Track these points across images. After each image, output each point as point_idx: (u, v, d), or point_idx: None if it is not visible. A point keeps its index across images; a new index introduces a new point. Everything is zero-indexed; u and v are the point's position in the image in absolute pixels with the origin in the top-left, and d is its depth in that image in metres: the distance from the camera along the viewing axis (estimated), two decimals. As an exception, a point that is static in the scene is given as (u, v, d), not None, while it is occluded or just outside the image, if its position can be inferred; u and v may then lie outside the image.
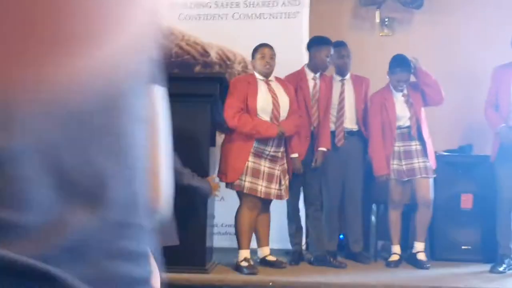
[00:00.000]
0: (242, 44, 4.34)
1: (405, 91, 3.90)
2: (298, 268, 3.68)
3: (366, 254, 3.99)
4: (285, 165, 3.65)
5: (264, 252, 3.70)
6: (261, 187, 3.50)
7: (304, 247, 4.06)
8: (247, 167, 3.48)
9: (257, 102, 3.51)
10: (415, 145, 3.83)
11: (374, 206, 4.11)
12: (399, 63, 3.86)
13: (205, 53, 4.44)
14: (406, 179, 3.84)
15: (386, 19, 4.71)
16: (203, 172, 3.26)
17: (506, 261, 3.70)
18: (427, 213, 3.83)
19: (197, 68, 4.45)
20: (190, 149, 3.17)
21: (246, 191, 3.49)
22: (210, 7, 4.45)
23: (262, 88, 3.58)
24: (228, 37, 4.39)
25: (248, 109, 3.50)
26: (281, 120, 3.56)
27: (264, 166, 3.53)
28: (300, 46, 4.37)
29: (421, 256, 3.77)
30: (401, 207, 3.92)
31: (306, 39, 4.38)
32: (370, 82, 4.09)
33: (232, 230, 3.76)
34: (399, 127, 3.86)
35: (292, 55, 4.28)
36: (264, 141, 3.51)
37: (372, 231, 4.10)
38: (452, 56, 4.60)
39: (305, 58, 4.35)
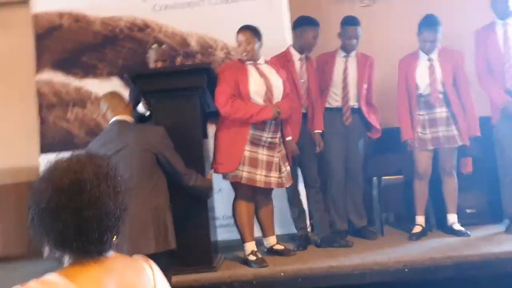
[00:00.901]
0: (222, 30, 4.19)
1: (433, 55, 3.73)
2: (306, 253, 3.60)
3: (372, 229, 3.94)
4: (284, 151, 3.51)
5: (270, 241, 3.60)
6: (260, 176, 3.35)
7: (309, 229, 3.99)
8: (244, 156, 3.33)
9: (249, 86, 3.34)
10: (440, 113, 3.68)
11: (375, 180, 4.04)
12: (426, 23, 3.69)
13: (185, 43, 4.28)
14: (431, 148, 3.71)
15: (366, -11, 4.59)
16: (198, 165, 3.16)
17: None
18: (451, 182, 3.74)
19: (179, 59, 4.30)
20: (182, 143, 3.06)
21: (244, 181, 3.33)
22: (185, -6, 4.28)
23: (252, 72, 3.41)
24: (207, 24, 4.23)
25: (241, 95, 3.33)
26: (275, 102, 3.41)
27: (262, 154, 3.38)
28: (282, 26, 4.25)
29: (457, 227, 3.69)
30: (427, 177, 3.77)
31: (287, 19, 4.26)
32: (374, 61, 3.94)
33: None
34: (421, 95, 3.71)
35: (274, 36, 4.13)
36: (260, 127, 3.36)
37: (375, 205, 4.03)
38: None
39: (288, 38, 4.23)
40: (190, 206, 3.18)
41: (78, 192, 1.17)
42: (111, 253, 1.24)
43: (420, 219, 3.78)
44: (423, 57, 3.73)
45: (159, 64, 3.63)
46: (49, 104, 4.38)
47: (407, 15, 4.38)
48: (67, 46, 4.37)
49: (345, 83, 3.83)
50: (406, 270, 3.16)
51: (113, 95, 3.03)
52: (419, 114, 3.72)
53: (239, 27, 3.80)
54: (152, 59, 3.68)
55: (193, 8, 4.27)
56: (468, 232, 3.64)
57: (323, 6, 4.65)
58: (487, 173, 3.91)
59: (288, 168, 3.52)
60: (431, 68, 3.68)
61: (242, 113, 3.29)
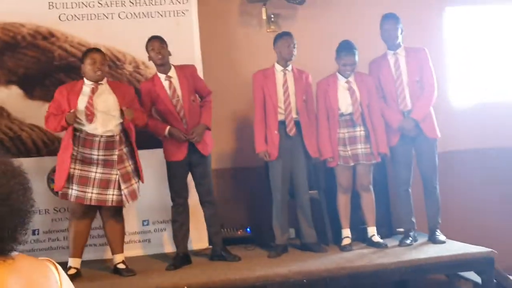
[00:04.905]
0: (131, 44, 4.19)
1: (350, 79, 3.98)
2: (212, 267, 3.63)
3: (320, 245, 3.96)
4: (129, 168, 3.55)
5: (115, 259, 3.61)
6: (91, 194, 3.43)
7: None
8: (73, 175, 3.43)
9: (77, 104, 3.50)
10: (359, 131, 3.93)
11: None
12: (345, 48, 3.95)
13: (92, 54, 4.18)
14: (352, 164, 3.94)
15: (272, 16, 4.81)
16: None
17: (411, 234, 4.00)
18: (368, 197, 3.99)
19: (85, 71, 4.19)
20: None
21: (73, 199, 3.44)
22: (94, 6, 4.21)
23: (85, 91, 3.55)
24: (116, 37, 4.19)
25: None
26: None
27: (95, 172, 3.46)
28: (192, 44, 4.32)
29: (376, 239, 3.94)
30: (349, 191, 4.00)
31: (197, 37, 4.35)
32: (309, 76, 4.07)
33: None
34: (342, 114, 3.95)
35: (184, 53, 4.22)
36: (88, 145, 3.47)
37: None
38: (334, 49, 4.80)
39: (197, 55, 4.32)
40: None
41: None
42: (15, 253, 1.21)
43: (347, 232, 3.98)
44: (341, 79, 3.99)
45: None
46: None
47: (309, 40, 4.65)
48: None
49: (286, 95, 3.93)
50: (305, 281, 3.31)
51: None
52: (339, 133, 3.95)
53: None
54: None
55: (102, 20, 4.21)
56: (386, 243, 3.91)
57: (232, 29, 4.80)
58: (378, 193, 4.16)
59: (135, 185, 3.56)
60: (351, 90, 3.95)
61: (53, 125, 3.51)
